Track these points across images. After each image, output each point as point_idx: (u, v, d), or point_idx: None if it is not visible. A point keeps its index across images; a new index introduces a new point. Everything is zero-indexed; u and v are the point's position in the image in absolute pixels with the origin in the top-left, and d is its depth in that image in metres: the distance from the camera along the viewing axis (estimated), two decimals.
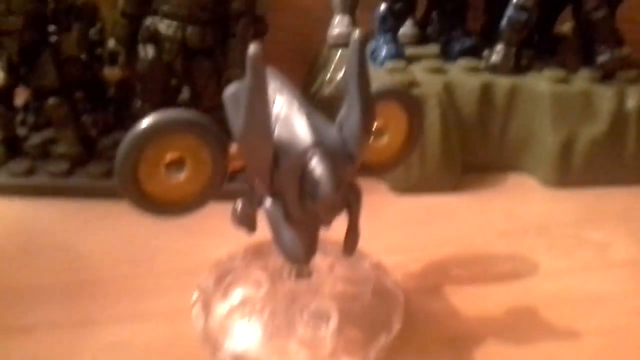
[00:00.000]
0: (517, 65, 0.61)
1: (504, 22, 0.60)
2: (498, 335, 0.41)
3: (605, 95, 0.58)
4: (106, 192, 0.53)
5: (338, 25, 0.69)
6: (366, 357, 0.38)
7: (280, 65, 0.73)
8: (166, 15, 0.52)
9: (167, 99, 0.56)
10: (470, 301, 0.44)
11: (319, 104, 0.66)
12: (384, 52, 0.62)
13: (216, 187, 0.35)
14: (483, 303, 0.44)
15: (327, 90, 0.66)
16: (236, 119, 0.34)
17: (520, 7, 0.59)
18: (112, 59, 0.56)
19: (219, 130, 0.34)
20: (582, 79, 0.60)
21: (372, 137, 0.39)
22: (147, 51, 0.53)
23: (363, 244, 0.38)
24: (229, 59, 0.54)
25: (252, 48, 0.32)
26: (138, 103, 0.56)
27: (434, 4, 0.68)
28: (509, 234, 0.52)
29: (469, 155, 0.59)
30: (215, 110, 0.54)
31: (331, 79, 0.67)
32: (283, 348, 0.38)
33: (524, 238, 0.51)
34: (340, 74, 0.66)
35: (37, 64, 0.54)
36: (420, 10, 0.69)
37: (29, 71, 0.55)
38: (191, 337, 0.39)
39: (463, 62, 0.61)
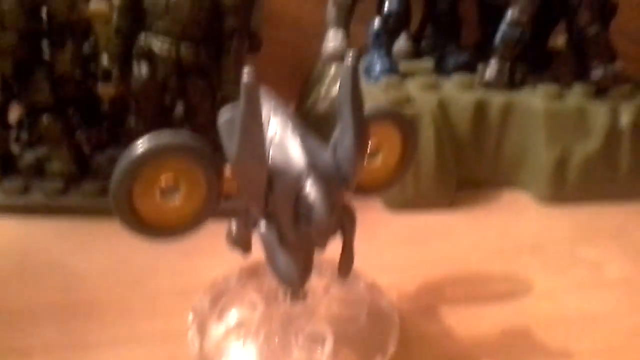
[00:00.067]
0: (511, 81, 0.61)
1: (497, 37, 0.60)
2: (493, 356, 0.41)
3: (599, 112, 0.59)
4: (101, 210, 0.53)
5: (332, 39, 0.68)
6: None
7: (274, 79, 0.73)
8: (160, 32, 0.52)
9: (161, 116, 0.56)
10: (465, 322, 0.44)
11: (313, 119, 0.66)
12: (378, 67, 0.62)
13: (210, 210, 0.35)
14: (478, 323, 0.44)
15: (322, 106, 0.66)
16: (230, 143, 0.34)
17: (513, 23, 0.60)
18: (106, 76, 0.56)
19: (213, 153, 0.34)
20: (576, 94, 0.60)
21: (366, 159, 0.39)
22: (141, 69, 0.53)
23: (358, 263, 0.38)
24: (223, 76, 0.54)
25: (246, 73, 0.32)
26: (132, 120, 0.56)
27: (428, 19, 0.68)
28: (504, 252, 0.52)
29: (464, 171, 0.60)
30: (210, 127, 0.54)
31: (326, 93, 0.67)
32: None
33: (518, 256, 0.51)
34: (335, 88, 0.66)
35: (31, 81, 0.54)
36: (414, 24, 0.69)
37: (22, 88, 0.55)
38: (187, 359, 0.39)
39: (457, 78, 0.61)
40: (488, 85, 0.60)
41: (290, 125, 0.36)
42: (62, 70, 0.54)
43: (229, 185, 0.35)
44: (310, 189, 0.33)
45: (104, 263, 0.48)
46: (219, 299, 0.42)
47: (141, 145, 0.33)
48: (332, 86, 0.66)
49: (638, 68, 0.74)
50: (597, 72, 0.60)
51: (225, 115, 0.37)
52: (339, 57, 0.67)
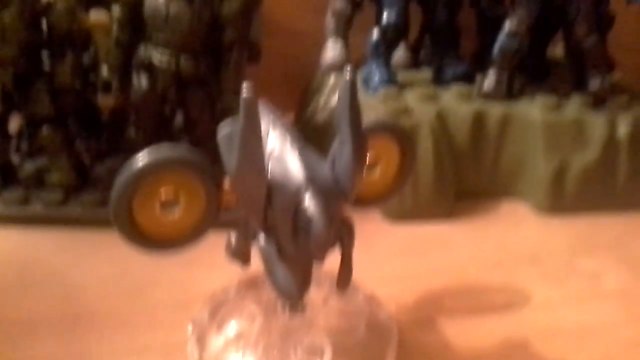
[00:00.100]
0: (510, 91, 0.61)
1: (495, 48, 0.61)
2: None
3: (596, 123, 0.59)
4: (100, 221, 0.53)
5: (331, 49, 0.69)
6: None
7: (274, 89, 0.74)
8: (160, 44, 0.52)
9: (160, 127, 0.57)
10: (463, 333, 0.44)
11: (313, 129, 0.67)
12: (376, 78, 0.62)
13: (209, 222, 0.36)
14: (476, 335, 0.44)
15: (321, 115, 0.67)
16: (230, 158, 0.34)
17: (511, 34, 0.60)
18: (106, 87, 0.56)
19: (212, 166, 0.35)
20: (574, 105, 0.60)
21: (364, 172, 0.39)
22: (141, 81, 0.53)
23: (357, 274, 0.38)
24: (223, 88, 0.55)
25: (245, 88, 0.32)
26: (132, 131, 0.56)
27: (427, 29, 0.68)
28: (502, 263, 0.52)
29: (462, 182, 0.60)
30: (209, 138, 0.54)
31: (325, 103, 0.67)
32: None
33: (517, 268, 0.52)
34: (334, 98, 0.66)
35: (31, 92, 0.54)
36: (412, 34, 0.69)
37: (22, 99, 0.55)
38: None
39: (455, 88, 0.62)
40: (486, 96, 0.60)
41: (289, 138, 0.36)
42: (62, 82, 0.54)
43: (228, 197, 0.35)
44: (309, 202, 0.33)
45: (103, 274, 0.49)
46: (218, 311, 0.42)
47: (141, 158, 0.33)
48: (331, 96, 0.67)
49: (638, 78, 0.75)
50: (594, 83, 0.60)
51: (225, 130, 0.37)
52: (338, 67, 0.68)
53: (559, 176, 0.59)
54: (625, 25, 0.64)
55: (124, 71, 0.54)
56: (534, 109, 0.59)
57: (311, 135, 0.66)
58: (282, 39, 0.74)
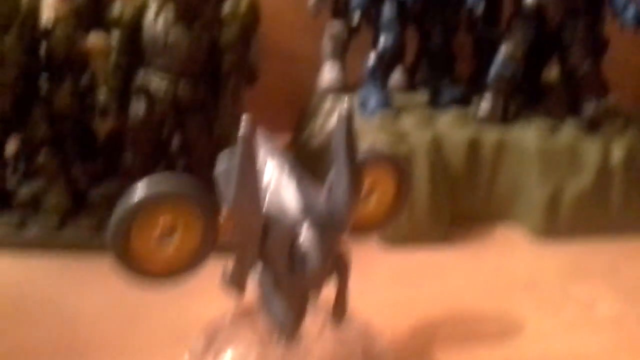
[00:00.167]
0: (505, 115, 0.62)
1: (491, 72, 0.61)
2: None
3: (591, 148, 0.59)
4: (97, 246, 0.53)
5: (328, 72, 0.69)
6: None
7: (271, 111, 0.74)
8: (158, 69, 0.53)
9: (157, 151, 0.57)
10: None
11: (309, 152, 0.67)
12: (373, 102, 0.62)
13: (206, 253, 0.36)
14: None
15: (318, 139, 0.67)
16: (227, 192, 0.34)
17: (507, 59, 0.60)
18: (104, 112, 0.57)
19: (210, 196, 0.35)
20: (569, 130, 0.61)
21: (360, 202, 0.39)
22: (139, 106, 0.53)
23: (352, 302, 0.38)
24: (221, 113, 0.55)
25: (243, 124, 0.32)
26: (129, 155, 0.56)
27: (423, 53, 0.69)
28: (497, 290, 0.52)
29: (458, 206, 0.60)
30: (206, 163, 0.54)
31: (322, 126, 0.68)
32: None
33: (511, 294, 0.52)
34: (331, 121, 0.67)
35: (29, 116, 0.54)
36: (409, 57, 0.70)
37: (20, 123, 0.55)
38: None
39: (451, 113, 0.62)
40: (482, 120, 0.61)
41: (286, 169, 0.37)
42: (61, 107, 0.55)
43: (225, 228, 0.36)
44: (305, 236, 0.33)
45: (99, 301, 0.49)
46: (214, 340, 0.42)
47: (140, 189, 0.34)
48: (328, 119, 0.67)
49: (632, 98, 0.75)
50: (589, 108, 0.61)
51: (223, 164, 0.37)
52: (335, 90, 0.68)
53: (553, 201, 0.59)
54: (619, 44, 0.64)
55: (122, 96, 0.55)
56: (528, 135, 0.60)
57: (308, 158, 0.67)
58: (280, 61, 0.75)
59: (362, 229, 0.41)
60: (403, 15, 0.63)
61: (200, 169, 0.56)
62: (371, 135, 0.59)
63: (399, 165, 0.41)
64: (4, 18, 0.53)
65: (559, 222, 0.59)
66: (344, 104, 0.35)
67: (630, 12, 0.57)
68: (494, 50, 0.62)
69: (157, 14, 0.52)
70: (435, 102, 0.65)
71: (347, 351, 0.42)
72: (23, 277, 0.52)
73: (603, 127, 0.61)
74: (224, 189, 0.37)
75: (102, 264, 0.51)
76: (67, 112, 0.56)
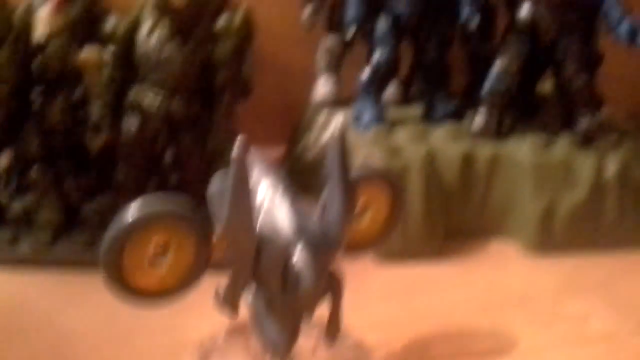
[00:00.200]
0: (499, 130, 0.62)
1: (485, 87, 0.61)
2: None
3: (585, 163, 0.59)
4: (89, 262, 0.53)
5: (323, 85, 0.70)
6: None
7: (265, 122, 0.74)
8: (152, 85, 0.53)
9: (150, 165, 0.57)
10: None
11: (303, 165, 0.67)
12: (367, 116, 0.62)
13: (199, 273, 0.36)
14: None
15: (312, 152, 0.67)
16: (220, 213, 0.34)
17: (501, 74, 0.61)
18: (96, 129, 0.57)
19: (203, 218, 0.35)
20: (563, 145, 0.60)
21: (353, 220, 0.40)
22: (131, 122, 0.53)
23: (345, 318, 0.38)
24: (214, 128, 0.55)
25: (236, 146, 0.32)
26: (122, 170, 0.56)
27: (417, 67, 0.69)
28: (490, 305, 0.52)
29: (452, 221, 0.60)
30: (199, 178, 0.54)
31: (315, 140, 0.68)
32: None
33: (505, 310, 0.52)
34: (325, 135, 0.67)
35: (21, 133, 0.54)
36: (403, 70, 0.70)
37: (12, 139, 0.55)
38: None
39: (445, 127, 0.62)
40: (476, 134, 0.61)
41: (280, 189, 0.37)
42: (53, 122, 0.55)
43: (218, 248, 0.36)
44: (298, 257, 0.34)
45: (92, 319, 0.48)
46: (208, 358, 0.42)
47: (133, 211, 0.34)
48: (322, 133, 0.67)
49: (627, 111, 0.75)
50: (583, 122, 0.61)
51: (216, 185, 0.37)
52: (329, 103, 0.68)
53: (547, 215, 0.59)
54: (614, 57, 0.65)
55: (116, 111, 0.55)
56: (522, 149, 0.60)
57: (302, 171, 0.67)
58: (275, 74, 0.75)
59: (356, 247, 0.42)
60: (397, 30, 0.63)
61: (193, 184, 0.55)
62: (365, 150, 0.59)
63: (392, 183, 0.41)
64: None
65: (553, 237, 0.59)
66: (338, 120, 0.35)
67: (624, 28, 0.57)
68: (488, 64, 0.62)
69: (151, 30, 0.52)
70: (429, 116, 0.65)
71: None
72: (16, 293, 0.52)
73: (597, 142, 0.61)
74: (217, 209, 0.37)
75: (95, 279, 0.50)
76: (60, 127, 0.55)
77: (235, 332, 0.44)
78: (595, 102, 0.63)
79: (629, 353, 0.48)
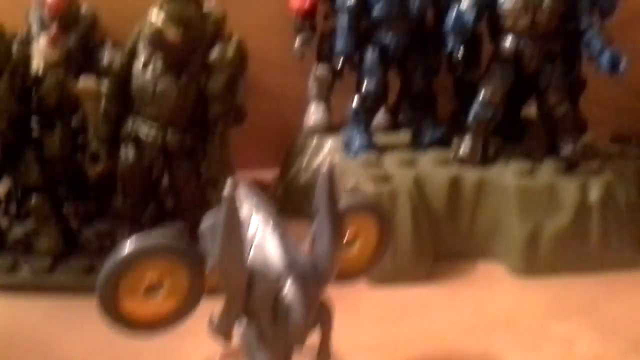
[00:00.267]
0: (485, 156, 0.63)
1: (470, 116, 0.63)
2: None
3: (569, 188, 0.61)
4: (88, 288, 0.54)
5: (314, 113, 0.71)
6: None
7: (259, 146, 0.76)
8: (147, 118, 0.54)
9: (147, 192, 0.58)
10: None
11: (295, 189, 0.69)
12: (357, 143, 0.64)
13: (193, 306, 0.38)
14: None
15: (304, 176, 0.69)
16: (213, 248, 0.36)
17: (485, 103, 0.62)
18: (94, 158, 0.58)
19: (196, 254, 0.37)
20: (547, 170, 0.62)
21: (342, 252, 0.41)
22: (128, 153, 0.55)
23: (336, 342, 0.39)
24: (209, 158, 0.56)
25: (228, 186, 0.34)
26: (120, 197, 0.57)
27: (404, 94, 0.70)
28: (478, 328, 0.53)
29: (440, 245, 0.62)
30: (194, 207, 0.56)
31: (307, 164, 0.69)
32: None
33: (492, 333, 0.53)
34: (317, 160, 0.69)
35: (21, 163, 0.56)
36: (391, 97, 0.71)
37: (12, 168, 0.56)
38: None
39: (433, 153, 0.64)
40: (462, 161, 0.62)
41: (271, 223, 0.38)
42: (52, 151, 0.56)
43: (211, 281, 0.37)
44: (288, 290, 0.35)
45: (90, 343, 0.49)
46: None
47: (128, 247, 0.35)
48: (314, 158, 0.70)
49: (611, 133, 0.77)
50: (566, 149, 0.62)
51: (208, 221, 0.39)
52: (320, 130, 0.70)
53: (532, 239, 0.60)
54: (598, 81, 0.66)
55: (112, 142, 0.56)
56: (508, 174, 0.61)
57: (294, 195, 0.69)
58: (268, 99, 0.77)
59: (347, 275, 0.43)
60: (385, 60, 0.64)
61: (189, 210, 0.57)
62: (355, 177, 0.60)
63: (379, 213, 0.43)
64: None
65: (539, 260, 0.61)
66: (329, 148, 0.36)
67: (606, 58, 0.59)
68: (474, 90, 0.64)
69: (146, 63, 0.53)
70: (417, 142, 0.66)
71: None
72: (15, 319, 0.53)
73: (581, 166, 0.63)
74: (209, 245, 0.38)
75: (93, 306, 0.52)
76: (59, 156, 0.57)
77: (229, 358, 0.45)
78: (578, 129, 0.64)
79: None
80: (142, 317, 0.37)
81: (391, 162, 0.63)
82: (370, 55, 0.64)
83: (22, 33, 0.60)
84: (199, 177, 0.57)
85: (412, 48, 0.65)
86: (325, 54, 0.70)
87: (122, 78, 0.54)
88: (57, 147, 0.56)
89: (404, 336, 0.52)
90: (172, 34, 0.51)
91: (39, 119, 0.57)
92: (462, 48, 0.60)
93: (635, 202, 0.63)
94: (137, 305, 0.36)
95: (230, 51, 0.57)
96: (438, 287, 0.59)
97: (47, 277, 0.56)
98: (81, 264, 0.56)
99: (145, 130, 0.54)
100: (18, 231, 0.59)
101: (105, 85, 0.56)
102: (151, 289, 0.36)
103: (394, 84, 0.69)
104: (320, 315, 0.38)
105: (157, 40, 0.52)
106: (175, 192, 0.58)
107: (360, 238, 0.43)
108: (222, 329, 0.40)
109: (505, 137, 0.66)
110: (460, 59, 0.61)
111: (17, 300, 0.54)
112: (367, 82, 0.64)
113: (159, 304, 0.37)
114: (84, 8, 0.69)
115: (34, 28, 0.66)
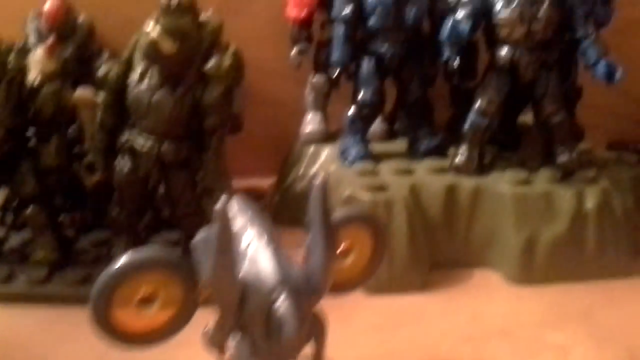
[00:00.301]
0: (481, 165, 0.64)
1: (466, 125, 0.63)
2: None
3: (565, 196, 0.61)
4: (84, 299, 0.54)
5: (310, 122, 0.72)
6: None
7: (256, 154, 0.76)
8: (143, 129, 0.54)
9: (143, 202, 0.59)
10: None
11: (292, 197, 0.69)
12: (353, 152, 0.64)
13: (186, 319, 0.38)
14: None
15: (300, 185, 0.69)
16: (206, 263, 0.36)
17: (481, 113, 0.62)
18: (90, 168, 0.58)
19: (189, 269, 0.37)
20: (543, 178, 0.62)
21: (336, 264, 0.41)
22: (124, 164, 0.55)
23: (331, 352, 0.39)
24: (204, 169, 0.56)
25: (220, 202, 0.34)
26: (116, 208, 0.58)
27: (401, 103, 0.70)
28: (474, 337, 0.53)
29: (436, 253, 0.62)
30: (190, 217, 0.56)
31: (304, 173, 0.70)
32: None
33: (488, 342, 0.53)
34: (313, 169, 0.69)
35: (17, 173, 0.56)
36: (388, 106, 0.71)
37: (8, 179, 0.56)
38: None
39: (429, 162, 0.64)
40: (458, 170, 0.63)
41: (265, 237, 0.38)
42: (48, 162, 0.56)
43: (204, 294, 0.37)
44: (281, 304, 0.35)
45: (86, 355, 0.49)
46: None
47: (122, 261, 0.35)
48: (310, 166, 0.70)
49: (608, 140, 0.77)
50: (562, 157, 0.63)
51: (201, 234, 0.39)
52: (317, 139, 0.70)
53: (529, 247, 0.60)
54: (594, 88, 0.66)
55: (108, 152, 0.56)
56: (504, 183, 0.61)
57: (291, 203, 0.69)
58: (265, 107, 0.77)
59: (341, 287, 0.43)
60: (381, 70, 0.65)
61: (184, 219, 0.57)
62: (351, 186, 0.61)
63: (373, 224, 0.43)
64: None
65: (535, 268, 0.61)
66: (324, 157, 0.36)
67: (601, 68, 0.59)
68: (470, 99, 0.64)
69: (142, 75, 0.54)
70: (413, 151, 0.66)
71: None
72: (10, 330, 0.53)
73: (577, 174, 0.63)
74: (202, 259, 0.38)
75: (87, 316, 0.52)
76: (55, 166, 0.57)
77: None
78: (574, 137, 0.64)
79: None
80: (136, 330, 0.37)
81: (387, 171, 0.63)
82: (366, 65, 0.64)
83: (19, 43, 0.60)
84: (195, 186, 0.57)
85: (408, 58, 0.65)
86: (321, 64, 0.70)
87: (119, 89, 0.55)
88: (54, 157, 0.56)
89: (400, 345, 0.52)
90: (168, 47, 0.52)
91: (36, 129, 0.57)
92: (457, 58, 0.60)
93: (632, 210, 0.63)
94: (130, 318, 0.36)
95: (227, 61, 0.56)
96: (434, 296, 0.59)
97: (43, 287, 0.56)
98: (77, 274, 0.56)
99: (141, 141, 0.54)
100: (14, 241, 0.59)
101: (101, 95, 0.56)
102: (145, 302, 0.36)
103: (390, 93, 0.69)
104: (314, 328, 0.38)
105: (153, 53, 0.52)
106: (171, 201, 0.58)
107: (354, 250, 0.43)
108: (216, 342, 0.40)
109: (501, 145, 0.67)
110: (455, 68, 0.61)
111: (13, 310, 0.55)
112: (363, 92, 0.64)
113: (153, 316, 0.37)
114: (81, 18, 0.69)
115: (31, 39, 0.66)
